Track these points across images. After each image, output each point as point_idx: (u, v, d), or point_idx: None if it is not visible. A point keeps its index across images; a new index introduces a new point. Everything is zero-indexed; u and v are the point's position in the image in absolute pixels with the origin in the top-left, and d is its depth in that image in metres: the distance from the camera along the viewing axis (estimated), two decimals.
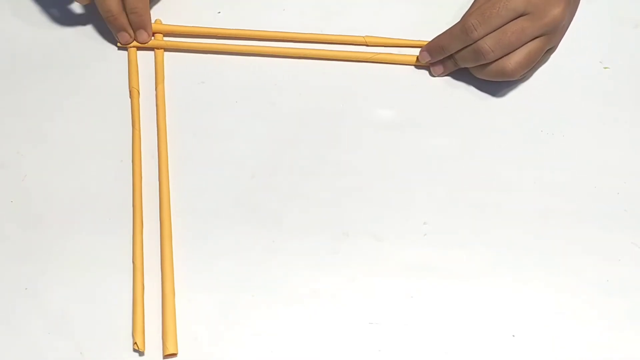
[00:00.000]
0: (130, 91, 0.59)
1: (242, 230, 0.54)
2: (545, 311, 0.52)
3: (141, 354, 0.50)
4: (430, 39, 0.61)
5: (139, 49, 0.61)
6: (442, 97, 0.61)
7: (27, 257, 0.53)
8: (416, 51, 0.62)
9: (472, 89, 0.61)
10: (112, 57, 0.61)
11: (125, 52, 0.61)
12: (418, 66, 0.62)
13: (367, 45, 0.63)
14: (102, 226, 0.54)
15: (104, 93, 0.60)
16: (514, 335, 0.51)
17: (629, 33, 0.65)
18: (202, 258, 0.53)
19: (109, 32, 0.61)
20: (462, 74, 0.62)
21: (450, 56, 0.60)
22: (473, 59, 0.59)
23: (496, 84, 0.61)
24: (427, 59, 0.61)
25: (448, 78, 0.62)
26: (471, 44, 0.58)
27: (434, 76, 0.62)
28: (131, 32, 0.60)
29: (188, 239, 0.54)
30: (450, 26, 0.59)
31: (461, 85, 0.62)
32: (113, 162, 0.56)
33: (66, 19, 0.63)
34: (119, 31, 0.60)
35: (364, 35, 0.63)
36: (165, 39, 0.62)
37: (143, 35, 0.60)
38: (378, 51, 0.62)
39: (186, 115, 0.59)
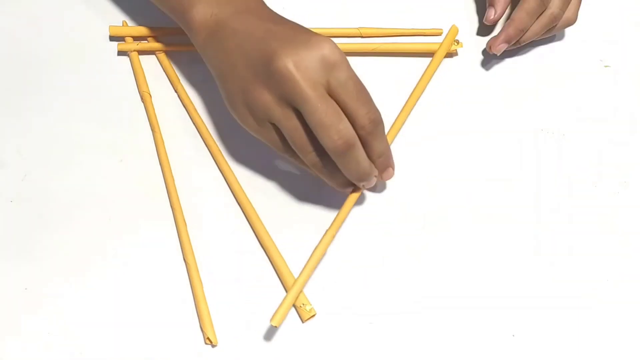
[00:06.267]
0: (141, 95, 0.59)
1: (241, 228, 0.54)
2: (545, 311, 0.52)
3: (213, 346, 0.50)
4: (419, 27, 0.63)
5: (139, 52, 0.61)
6: (442, 96, 0.61)
7: (27, 257, 0.53)
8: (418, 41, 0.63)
9: (471, 88, 0.61)
10: (111, 58, 0.61)
11: (124, 55, 0.61)
12: (423, 55, 0.62)
13: (362, 37, 0.63)
14: (102, 226, 0.54)
15: (103, 94, 0.60)
16: (514, 335, 0.51)
17: (630, 31, 0.65)
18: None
19: (107, 34, 0.61)
20: (459, 70, 0.62)
21: (513, 29, 0.59)
22: (545, 27, 0.59)
23: (495, 82, 0.61)
24: (504, 48, 0.60)
25: (447, 78, 0.62)
26: (541, 18, 0.59)
27: (495, 54, 0.60)
28: (377, 173, 0.53)
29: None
30: (520, 6, 0.58)
31: (460, 85, 0.62)
32: (113, 162, 0.56)
33: (66, 20, 0.63)
34: (370, 180, 0.52)
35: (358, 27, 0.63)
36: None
37: (390, 173, 0.54)
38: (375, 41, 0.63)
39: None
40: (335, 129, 0.48)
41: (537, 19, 0.59)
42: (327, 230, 0.53)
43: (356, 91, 0.48)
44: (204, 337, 0.50)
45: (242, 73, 0.50)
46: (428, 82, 0.61)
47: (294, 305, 0.51)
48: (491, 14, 0.60)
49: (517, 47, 0.61)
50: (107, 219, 0.54)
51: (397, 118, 0.59)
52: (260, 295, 0.52)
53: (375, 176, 0.53)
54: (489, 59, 0.63)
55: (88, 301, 0.51)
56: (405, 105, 0.59)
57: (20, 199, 0.55)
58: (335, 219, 0.54)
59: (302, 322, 0.51)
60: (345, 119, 0.48)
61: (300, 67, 0.47)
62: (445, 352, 0.51)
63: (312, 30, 0.50)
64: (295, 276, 0.52)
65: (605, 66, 0.63)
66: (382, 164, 0.53)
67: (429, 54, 0.62)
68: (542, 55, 0.63)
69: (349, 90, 0.48)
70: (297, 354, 0.50)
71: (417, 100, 0.60)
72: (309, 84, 0.47)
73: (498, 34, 0.60)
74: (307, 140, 0.49)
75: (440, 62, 0.62)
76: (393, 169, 0.54)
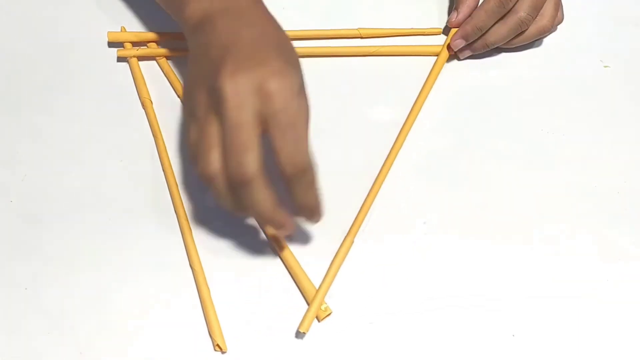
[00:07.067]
0: (142, 102, 0.59)
1: (246, 232, 0.54)
2: (545, 311, 0.52)
3: (223, 353, 0.50)
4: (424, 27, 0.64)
5: (139, 58, 0.61)
6: (442, 96, 0.61)
7: (27, 257, 0.53)
8: (418, 40, 0.63)
9: (471, 87, 0.61)
10: (111, 64, 0.61)
11: (125, 61, 0.61)
12: (424, 56, 0.62)
13: (362, 38, 0.63)
14: (102, 226, 0.54)
15: (103, 95, 0.59)
16: (514, 335, 0.51)
17: (630, 31, 0.65)
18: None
19: (106, 40, 0.61)
20: (459, 70, 0.62)
21: (481, 40, 0.61)
22: (513, 32, 0.60)
23: (494, 82, 0.61)
24: (462, 45, 0.61)
25: (448, 77, 0.62)
26: (507, 21, 0.59)
27: (460, 59, 0.62)
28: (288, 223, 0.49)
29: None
30: (480, 5, 0.60)
31: (460, 84, 0.62)
32: (113, 162, 0.56)
33: (68, 22, 0.63)
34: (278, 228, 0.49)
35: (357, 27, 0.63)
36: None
37: (315, 219, 0.50)
38: (375, 43, 0.62)
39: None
40: (238, 159, 0.45)
41: (502, 21, 0.59)
42: (347, 235, 0.54)
43: (286, 126, 0.45)
44: (213, 344, 0.50)
45: (200, 69, 0.49)
46: (432, 86, 0.61)
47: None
48: (453, 16, 0.62)
49: (485, 50, 0.61)
50: (107, 219, 0.54)
51: (404, 122, 0.59)
52: (270, 301, 0.52)
53: (291, 223, 0.49)
54: (487, 59, 0.63)
55: (89, 303, 0.51)
56: (412, 109, 0.59)
57: (20, 199, 0.55)
58: (354, 221, 0.54)
59: (319, 321, 0.51)
60: (249, 153, 0.45)
61: (235, 90, 0.45)
62: (445, 352, 0.51)
63: (284, 50, 0.49)
64: (310, 278, 0.52)
65: (605, 66, 0.63)
66: (305, 214, 0.50)
67: (429, 55, 0.63)
68: (541, 56, 0.63)
69: (278, 123, 0.45)
70: (308, 358, 0.50)
71: (422, 105, 0.60)
72: (235, 107, 0.45)
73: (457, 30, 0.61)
74: (213, 152, 0.46)
75: (442, 66, 0.62)
76: (320, 217, 0.50)
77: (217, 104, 0.46)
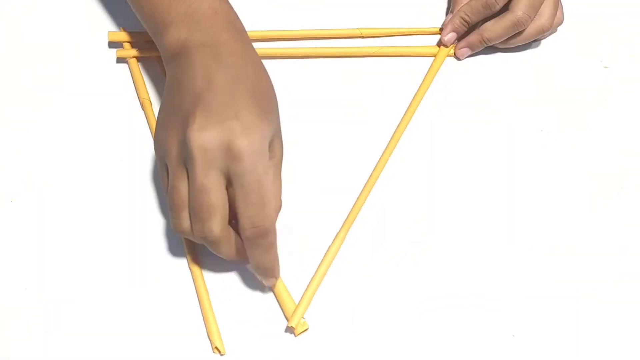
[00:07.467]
0: (141, 102, 0.58)
1: None
2: (545, 311, 0.52)
3: (222, 356, 0.50)
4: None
5: (138, 59, 0.60)
6: (442, 96, 0.61)
7: (26, 257, 0.53)
8: (418, 40, 0.63)
9: (471, 88, 0.61)
10: (111, 60, 0.61)
11: (124, 61, 0.61)
12: (423, 56, 0.62)
13: (362, 37, 0.63)
14: (101, 227, 0.54)
15: (103, 95, 0.59)
16: (514, 335, 0.51)
17: (630, 31, 0.65)
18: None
19: (107, 40, 0.61)
20: (458, 70, 0.62)
21: (477, 35, 0.61)
22: (510, 31, 0.60)
23: (493, 82, 0.61)
24: (454, 38, 0.62)
25: (447, 78, 0.62)
26: (504, 19, 0.59)
27: (460, 59, 0.62)
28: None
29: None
30: (467, 2, 0.61)
31: (460, 85, 0.62)
32: (112, 162, 0.56)
33: (68, 22, 0.63)
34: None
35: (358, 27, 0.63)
36: None
37: (269, 282, 0.51)
38: (376, 44, 0.63)
39: None
40: (203, 223, 0.47)
41: (499, 19, 0.60)
42: (337, 234, 0.53)
43: (250, 189, 0.46)
44: (211, 346, 0.50)
45: (172, 112, 0.48)
46: (429, 86, 0.61)
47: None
48: (448, 18, 0.62)
49: (482, 47, 0.62)
50: (108, 219, 0.54)
51: (400, 122, 0.59)
52: (269, 304, 0.52)
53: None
54: (487, 59, 0.63)
55: (88, 303, 0.51)
56: (407, 109, 0.59)
57: (20, 199, 0.55)
58: (346, 219, 0.54)
59: (295, 336, 0.51)
60: (213, 217, 0.47)
61: (203, 148, 0.45)
62: (445, 352, 0.51)
63: (259, 96, 0.48)
64: (286, 286, 0.52)
65: (605, 66, 0.63)
66: (260, 274, 0.50)
67: (429, 56, 0.63)
68: (541, 56, 0.63)
69: (242, 185, 0.46)
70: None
71: (418, 104, 0.60)
72: (203, 167, 0.46)
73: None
74: (183, 212, 0.48)
75: (440, 66, 0.62)
76: (275, 279, 0.51)
77: (186, 158, 0.46)
